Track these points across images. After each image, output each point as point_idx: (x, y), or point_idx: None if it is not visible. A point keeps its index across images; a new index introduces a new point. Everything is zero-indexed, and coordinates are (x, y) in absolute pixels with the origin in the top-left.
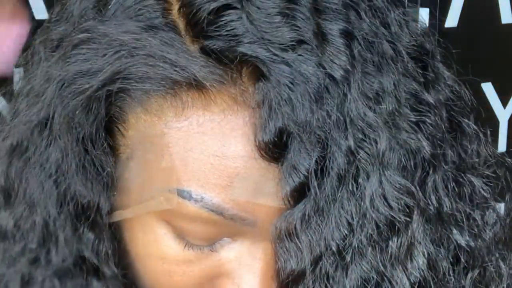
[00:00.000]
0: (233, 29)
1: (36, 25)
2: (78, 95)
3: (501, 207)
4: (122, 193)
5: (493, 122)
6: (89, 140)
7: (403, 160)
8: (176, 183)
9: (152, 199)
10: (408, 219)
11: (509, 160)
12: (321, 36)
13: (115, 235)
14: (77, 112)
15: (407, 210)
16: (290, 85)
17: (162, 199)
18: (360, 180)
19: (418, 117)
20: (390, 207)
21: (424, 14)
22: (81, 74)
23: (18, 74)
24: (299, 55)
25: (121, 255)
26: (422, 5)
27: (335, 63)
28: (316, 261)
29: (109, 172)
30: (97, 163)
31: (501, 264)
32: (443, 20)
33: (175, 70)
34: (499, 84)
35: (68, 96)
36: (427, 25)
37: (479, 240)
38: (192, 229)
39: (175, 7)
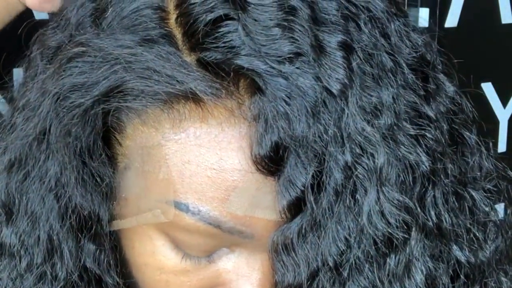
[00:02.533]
0: (230, 40)
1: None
2: (74, 109)
3: (501, 206)
4: (120, 202)
5: (493, 122)
6: (87, 152)
7: (402, 176)
8: (173, 196)
9: (149, 210)
10: (406, 235)
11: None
12: (319, 49)
13: (116, 244)
14: (73, 125)
15: (405, 227)
16: (286, 99)
17: (159, 212)
18: (357, 196)
19: (418, 131)
20: (388, 224)
21: (424, 14)
22: (76, 88)
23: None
24: (297, 68)
25: (122, 264)
26: (422, 5)
27: (333, 77)
28: (313, 276)
29: (108, 182)
30: (96, 174)
31: (502, 278)
32: (443, 20)
33: (171, 84)
34: (499, 84)
35: (63, 110)
36: (427, 25)
37: (480, 255)
38: (189, 241)
39: (173, 16)
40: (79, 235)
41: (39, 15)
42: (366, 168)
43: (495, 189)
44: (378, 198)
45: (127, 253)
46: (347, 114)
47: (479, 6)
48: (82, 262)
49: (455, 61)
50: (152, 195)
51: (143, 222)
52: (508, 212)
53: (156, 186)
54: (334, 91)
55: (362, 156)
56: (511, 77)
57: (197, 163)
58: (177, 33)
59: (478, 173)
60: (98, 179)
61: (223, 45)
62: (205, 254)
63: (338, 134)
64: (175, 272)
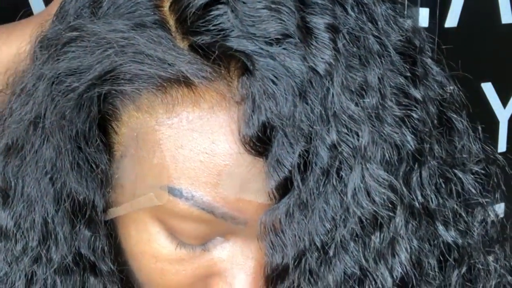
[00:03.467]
0: (219, 23)
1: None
2: (69, 93)
3: (500, 206)
4: (116, 190)
5: (493, 122)
6: (82, 138)
7: (387, 154)
8: (167, 181)
9: (143, 196)
10: (391, 214)
11: (500, 157)
12: (306, 30)
13: (111, 232)
14: (68, 109)
15: (390, 205)
16: (274, 78)
17: (153, 196)
18: (342, 174)
19: (404, 111)
20: (373, 202)
21: (424, 14)
22: (71, 72)
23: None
24: (284, 48)
25: (117, 252)
26: (422, 5)
27: (319, 57)
28: (300, 255)
29: (104, 169)
30: (91, 161)
31: (490, 261)
32: (443, 20)
33: (163, 68)
34: (499, 84)
35: (58, 94)
36: (427, 25)
37: (467, 237)
38: (184, 228)
39: (167, 4)
40: (74, 220)
41: (36, 7)
42: (351, 147)
43: (483, 171)
44: (363, 177)
45: (123, 242)
46: (333, 93)
47: (479, 6)
48: (76, 248)
49: (455, 62)
50: (147, 181)
51: (137, 207)
52: (496, 195)
53: (150, 172)
54: (320, 71)
55: (348, 134)
56: (511, 77)
57: (190, 148)
58: (170, 20)
59: (466, 156)
60: (94, 165)
61: (213, 28)
62: (199, 242)
63: (323, 113)
64: (170, 261)
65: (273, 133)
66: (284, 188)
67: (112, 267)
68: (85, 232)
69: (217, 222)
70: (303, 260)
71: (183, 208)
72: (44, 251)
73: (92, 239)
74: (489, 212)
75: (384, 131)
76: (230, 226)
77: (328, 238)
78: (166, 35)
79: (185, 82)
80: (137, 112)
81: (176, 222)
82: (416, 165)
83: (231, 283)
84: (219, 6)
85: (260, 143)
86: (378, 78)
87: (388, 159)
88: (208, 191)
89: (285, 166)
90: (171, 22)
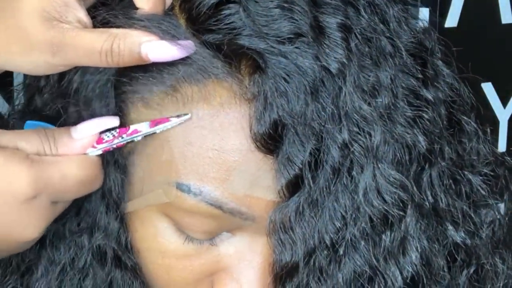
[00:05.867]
0: (231, 22)
1: None
2: (92, 84)
3: (500, 207)
4: (126, 186)
5: (493, 122)
6: None
7: (398, 154)
8: (175, 177)
9: (151, 192)
10: (401, 213)
11: (509, 159)
12: (318, 29)
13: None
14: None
15: (401, 204)
16: (286, 77)
17: (161, 192)
18: (354, 173)
19: (415, 112)
20: (384, 201)
21: (424, 14)
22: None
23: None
24: (296, 47)
25: None
26: (422, 5)
27: (331, 56)
28: (310, 254)
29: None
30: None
31: (498, 263)
32: (443, 20)
33: (174, 65)
34: (499, 84)
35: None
36: (427, 25)
37: (476, 238)
38: (191, 223)
39: (177, 3)
40: (107, 210)
41: None
42: (363, 146)
43: (492, 173)
44: (374, 176)
45: (131, 239)
46: (345, 92)
47: (479, 6)
48: (105, 240)
49: (455, 62)
50: (154, 177)
51: (145, 203)
52: (505, 197)
53: (158, 168)
54: (333, 70)
55: (359, 134)
56: (511, 77)
57: (199, 145)
58: (181, 18)
59: (475, 158)
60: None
61: (225, 26)
62: (207, 237)
63: (335, 112)
64: (177, 256)
65: (284, 131)
66: (294, 186)
67: (135, 261)
68: (115, 224)
69: (225, 217)
70: (312, 258)
71: (191, 204)
72: (86, 236)
73: (119, 232)
74: (496, 214)
75: (396, 131)
76: (238, 221)
77: (338, 237)
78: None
79: (195, 79)
80: (146, 109)
81: (184, 217)
82: (426, 166)
83: (237, 279)
84: (231, 5)
85: (271, 140)
86: (391, 78)
87: (399, 159)
88: (216, 187)
89: (295, 164)
90: (181, 20)
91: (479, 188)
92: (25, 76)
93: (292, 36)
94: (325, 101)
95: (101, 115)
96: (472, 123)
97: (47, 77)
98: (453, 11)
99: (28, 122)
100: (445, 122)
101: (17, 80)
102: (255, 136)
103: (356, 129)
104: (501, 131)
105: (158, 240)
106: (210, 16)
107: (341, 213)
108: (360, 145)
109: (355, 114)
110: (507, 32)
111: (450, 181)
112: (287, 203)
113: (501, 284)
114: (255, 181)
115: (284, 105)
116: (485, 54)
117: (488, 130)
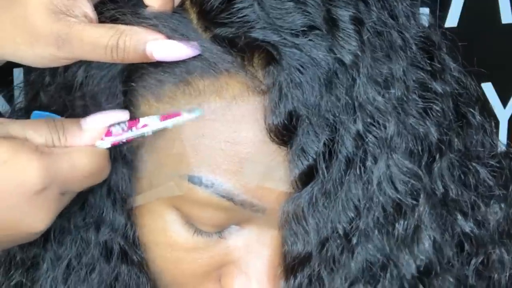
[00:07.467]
0: (244, 15)
1: None
2: (100, 79)
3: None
4: (133, 181)
5: (493, 122)
6: None
7: (411, 145)
8: (187, 169)
9: (162, 185)
10: (415, 202)
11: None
12: (332, 22)
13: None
14: (100, 94)
15: (414, 194)
16: (300, 68)
17: (173, 185)
18: (368, 164)
19: (426, 104)
20: (397, 190)
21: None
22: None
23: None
24: (310, 40)
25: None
26: (422, 5)
27: (345, 48)
28: (323, 243)
29: (128, 157)
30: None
31: (504, 253)
32: (443, 20)
33: (185, 60)
34: (499, 84)
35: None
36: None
37: (483, 228)
38: (201, 215)
39: None
40: (113, 205)
41: None
42: (377, 137)
43: (498, 165)
44: (388, 166)
45: (139, 233)
46: (359, 84)
47: (479, 6)
48: (111, 235)
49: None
50: (165, 170)
51: (156, 196)
52: (510, 189)
53: (168, 161)
54: (346, 62)
55: (373, 125)
56: (511, 77)
57: (211, 137)
58: (192, 13)
59: (482, 150)
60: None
61: (238, 20)
62: (216, 230)
63: (350, 103)
64: (186, 249)
65: (299, 121)
66: (307, 177)
67: (142, 256)
68: (120, 218)
69: (236, 209)
70: (325, 248)
71: (202, 196)
72: (92, 232)
73: (126, 226)
74: (502, 205)
75: (409, 122)
76: (248, 213)
77: (352, 226)
78: (190, 25)
79: (208, 72)
80: (158, 103)
81: (194, 210)
82: (437, 156)
83: (246, 271)
84: None
85: (286, 131)
86: (403, 70)
87: (412, 149)
88: (228, 179)
89: (309, 155)
90: (192, 15)
91: (486, 179)
92: (26, 74)
93: (305, 28)
94: (339, 93)
95: (110, 109)
96: (478, 115)
97: (53, 72)
98: (453, 11)
99: (36, 112)
100: (453, 114)
101: (18, 80)
102: (269, 127)
103: (370, 120)
104: (501, 131)
105: (167, 234)
106: (222, 10)
107: (354, 203)
108: (374, 136)
109: (369, 105)
110: (507, 32)
111: (459, 171)
112: (300, 193)
113: (508, 274)
114: (267, 172)
115: (299, 96)
116: (485, 54)
117: (493, 123)
